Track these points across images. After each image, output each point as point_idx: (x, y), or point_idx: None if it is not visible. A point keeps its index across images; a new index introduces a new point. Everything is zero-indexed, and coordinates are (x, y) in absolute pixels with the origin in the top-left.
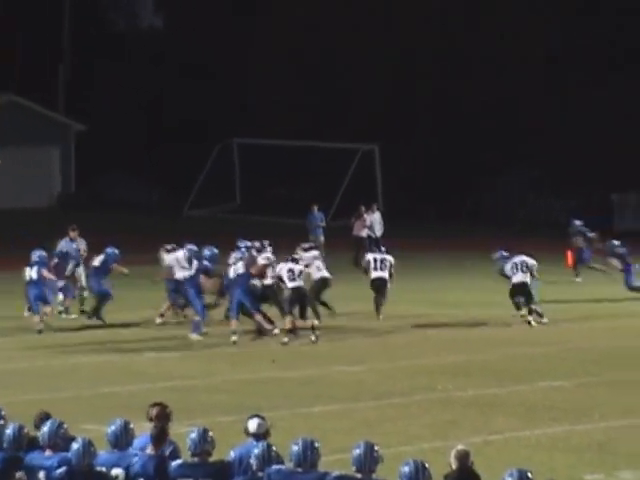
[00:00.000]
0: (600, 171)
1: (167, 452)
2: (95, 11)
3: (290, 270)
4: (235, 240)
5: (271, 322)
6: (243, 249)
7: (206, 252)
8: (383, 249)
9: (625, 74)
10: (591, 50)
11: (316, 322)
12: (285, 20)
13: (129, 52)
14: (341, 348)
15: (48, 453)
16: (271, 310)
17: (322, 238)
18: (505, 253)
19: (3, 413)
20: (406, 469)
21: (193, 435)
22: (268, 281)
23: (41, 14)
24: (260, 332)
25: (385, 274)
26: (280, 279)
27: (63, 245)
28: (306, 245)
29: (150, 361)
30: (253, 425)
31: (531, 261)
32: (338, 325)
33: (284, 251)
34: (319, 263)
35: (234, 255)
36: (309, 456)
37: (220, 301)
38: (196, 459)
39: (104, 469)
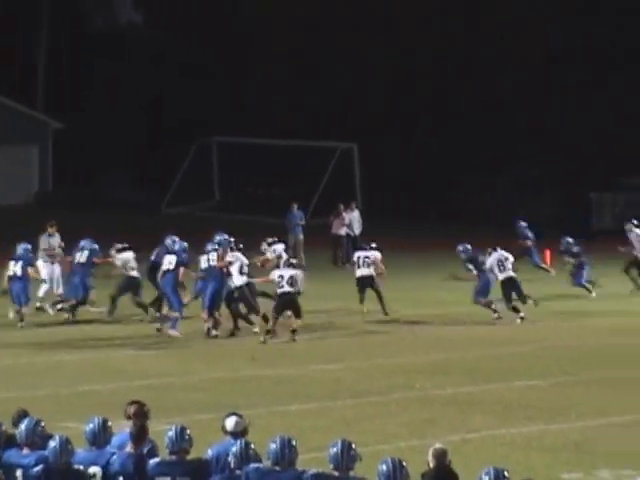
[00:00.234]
0: (600, 171)
1: (145, 450)
2: (75, 9)
3: (280, 276)
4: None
5: (250, 322)
6: (217, 243)
7: (176, 246)
8: (373, 245)
9: (625, 74)
10: (591, 50)
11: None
12: (285, 20)
13: (129, 52)
14: (319, 346)
15: (26, 451)
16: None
17: (301, 236)
18: (469, 247)
19: None
20: (384, 467)
21: (171, 433)
22: (239, 282)
23: (18, 10)
24: (234, 332)
25: (369, 271)
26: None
27: (44, 240)
28: (270, 240)
29: (128, 358)
30: (231, 423)
31: (510, 256)
32: (316, 323)
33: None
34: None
35: (209, 247)
36: (287, 454)
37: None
38: (174, 457)
39: (82, 467)
